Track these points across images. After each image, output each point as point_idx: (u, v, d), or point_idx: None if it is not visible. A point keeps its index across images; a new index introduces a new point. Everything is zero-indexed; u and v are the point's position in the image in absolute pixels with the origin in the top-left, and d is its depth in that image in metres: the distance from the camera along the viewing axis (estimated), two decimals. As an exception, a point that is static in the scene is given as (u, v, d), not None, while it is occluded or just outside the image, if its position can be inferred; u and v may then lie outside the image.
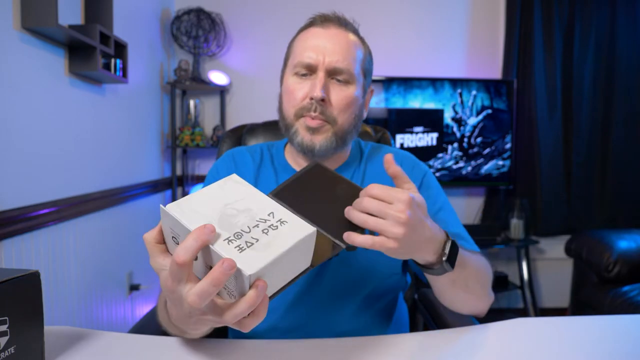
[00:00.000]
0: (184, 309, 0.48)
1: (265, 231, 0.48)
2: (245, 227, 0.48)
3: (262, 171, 0.91)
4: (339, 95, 0.82)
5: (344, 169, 0.90)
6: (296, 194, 0.59)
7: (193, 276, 0.46)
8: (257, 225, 0.48)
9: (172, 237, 0.49)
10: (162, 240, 0.52)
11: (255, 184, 0.89)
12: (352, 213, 0.57)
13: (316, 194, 0.60)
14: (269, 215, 0.50)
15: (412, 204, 0.56)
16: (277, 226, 0.48)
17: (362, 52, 0.86)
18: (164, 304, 0.65)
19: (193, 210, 0.48)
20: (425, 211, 0.60)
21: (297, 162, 0.91)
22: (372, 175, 0.90)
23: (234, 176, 0.55)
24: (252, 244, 0.46)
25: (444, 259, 0.62)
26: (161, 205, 0.49)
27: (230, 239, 0.46)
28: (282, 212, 0.51)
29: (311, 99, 0.81)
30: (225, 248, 0.45)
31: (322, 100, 0.80)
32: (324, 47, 0.82)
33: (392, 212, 0.54)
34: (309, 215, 0.54)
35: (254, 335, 0.83)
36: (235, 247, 0.45)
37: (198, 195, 0.51)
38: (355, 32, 0.87)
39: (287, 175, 0.90)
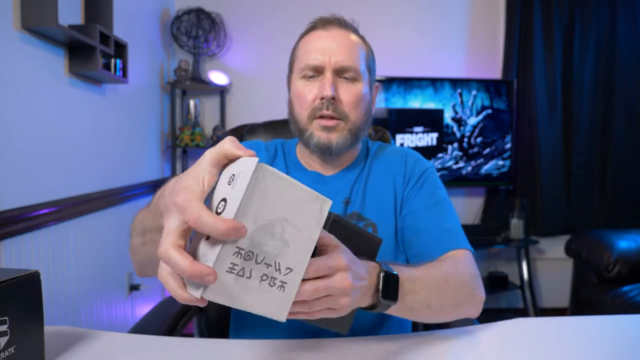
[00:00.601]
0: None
1: (264, 279, 0.41)
2: (260, 257, 0.40)
3: (274, 165, 0.93)
4: (349, 92, 0.84)
5: (352, 168, 0.92)
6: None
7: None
8: (269, 266, 0.41)
9: (229, 180, 0.42)
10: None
11: None
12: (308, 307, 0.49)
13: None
14: (286, 269, 0.42)
15: (349, 267, 0.50)
16: (279, 284, 0.42)
17: (365, 50, 0.89)
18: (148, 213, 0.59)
19: (276, 196, 0.40)
20: (353, 258, 0.53)
21: (308, 162, 0.93)
22: (376, 174, 0.91)
23: (324, 200, 0.44)
24: (248, 279, 0.40)
25: (379, 296, 0.56)
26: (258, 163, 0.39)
27: (240, 252, 0.39)
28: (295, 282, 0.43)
29: (322, 98, 0.83)
30: (224, 259, 0.39)
31: (333, 98, 0.82)
32: (329, 47, 0.83)
33: (336, 287, 0.48)
34: None
35: (254, 335, 0.83)
36: (228, 269, 0.39)
37: (289, 184, 0.42)
38: (356, 31, 0.90)
39: (298, 171, 0.92)
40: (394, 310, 0.61)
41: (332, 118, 0.84)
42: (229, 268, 0.39)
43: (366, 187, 0.89)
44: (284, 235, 0.42)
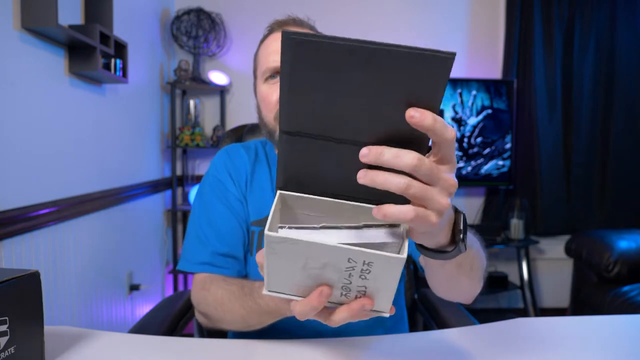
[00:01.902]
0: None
1: (363, 277, 0.42)
2: (343, 280, 0.43)
3: (256, 168, 0.92)
4: None
5: None
6: (300, 175, 0.45)
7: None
8: (351, 274, 0.42)
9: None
10: None
11: (251, 179, 0.90)
12: (381, 177, 0.40)
13: (316, 155, 0.43)
14: (349, 261, 0.41)
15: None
16: (367, 269, 0.42)
17: None
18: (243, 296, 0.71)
19: (286, 284, 0.45)
20: None
21: None
22: None
23: (270, 236, 0.41)
24: (365, 292, 0.44)
25: (460, 236, 0.49)
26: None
27: (344, 294, 0.44)
28: (355, 253, 0.40)
29: None
30: (348, 300, 0.45)
31: None
32: None
33: (443, 175, 0.41)
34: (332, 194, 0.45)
35: (253, 335, 0.84)
36: (356, 298, 0.45)
37: (269, 271, 0.45)
38: (312, 28, 0.91)
39: None
40: (447, 262, 0.53)
41: None
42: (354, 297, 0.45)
43: None
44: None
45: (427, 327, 1.08)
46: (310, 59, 0.35)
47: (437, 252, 0.51)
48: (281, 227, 0.43)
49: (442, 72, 0.35)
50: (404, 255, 0.41)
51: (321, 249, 0.40)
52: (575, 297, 2.45)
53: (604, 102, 2.84)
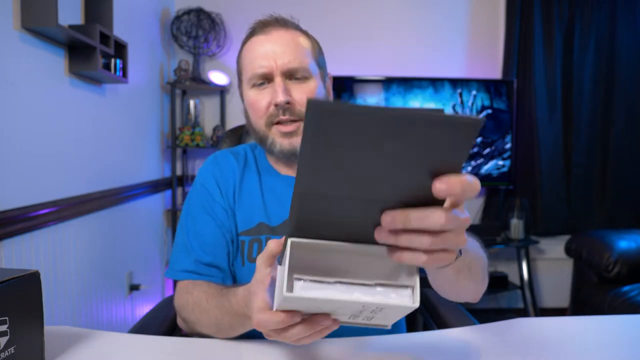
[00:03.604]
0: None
1: (373, 313, 0.46)
2: (354, 314, 0.47)
3: (246, 174, 0.90)
4: (302, 92, 0.82)
5: None
6: (312, 225, 0.43)
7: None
8: (361, 312, 0.46)
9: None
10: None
11: (240, 188, 0.89)
12: (405, 240, 0.41)
13: (330, 211, 0.43)
14: (362, 308, 0.45)
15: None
16: (379, 309, 0.45)
17: (310, 45, 0.86)
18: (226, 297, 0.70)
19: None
20: None
21: (279, 166, 0.91)
22: None
23: (286, 296, 0.43)
24: (373, 317, 0.47)
25: None
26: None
27: (352, 317, 0.48)
28: (369, 303, 0.43)
29: (276, 105, 0.81)
30: (356, 320, 0.49)
31: (288, 102, 0.80)
32: (273, 51, 0.81)
33: (461, 220, 0.41)
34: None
35: (253, 335, 0.84)
36: (363, 319, 0.48)
37: (282, 304, 0.46)
38: (297, 28, 0.87)
39: (271, 178, 0.89)
40: (446, 269, 0.54)
41: (291, 122, 0.82)
42: (364, 317, 0.48)
43: None
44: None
45: (427, 327, 1.08)
46: (335, 126, 0.34)
47: None
48: (297, 280, 0.44)
49: (468, 137, 0.35)
50: (416, 304, 0.43)
51: (335, 302, 0.44)
52: (575, 297, 2.45)
53: (604, 102, 2.84)
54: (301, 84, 0.82)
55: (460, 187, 0.37)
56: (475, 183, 0.39)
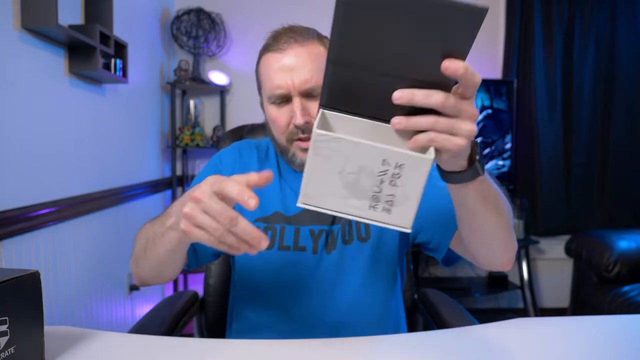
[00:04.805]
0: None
1: (393, 183, 0.48)
2: (375, 188, 0.48)
3: (265, 166, 0.93)
4: None
5: None
6: (341, 98, 0.51)
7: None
8: (382, 181, 0.48)
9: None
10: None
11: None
12: (420, 94, 0.46)
13: (356, 82, 0.49)
14: (383, 164, 0.47)
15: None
16: (398, 173, 0.47)
17: (325, 49, 0.83)
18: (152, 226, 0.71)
19: (321, 193, 0.50)
20: None
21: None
22: None
23: (318, 136, 0.47)
24: (392, 201, 0.49)
25: (477, 157, 0.54)
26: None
27: (372, 205, 0.49)
28: (391, 153, 0.47)
29: (295, 125, 0.81)
30: (375, 215, 0.49)
31: (307, 122, 0.80)
32: (289, 70, 0.80)
33: (466, 107, 0.47)
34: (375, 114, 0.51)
35: (257, 329, 0.85)
36: (383, 210, 0.49)
37: (309, 176, 0.49)
38: (312, 36, 0.84)
39: (290, 175, 0.91)
40: (474, 187, 0.58)
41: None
42: (383, 209, 0.50)
43: None
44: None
45: (427, 327, 1.08)
46: (363, 2, 0.41)
47: (459, 173, 0.56)
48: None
49: (474, 24, 0.41)
50: (432, 156, 0.47)
51: (361, 149, 0.46)
52: (575, 297, 2.45)
53: (604, 102, 2.84)
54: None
55: (464, 69, 0.43)
56: (477, 73, 0.45)
